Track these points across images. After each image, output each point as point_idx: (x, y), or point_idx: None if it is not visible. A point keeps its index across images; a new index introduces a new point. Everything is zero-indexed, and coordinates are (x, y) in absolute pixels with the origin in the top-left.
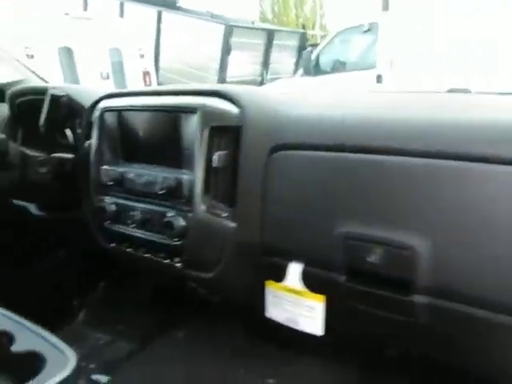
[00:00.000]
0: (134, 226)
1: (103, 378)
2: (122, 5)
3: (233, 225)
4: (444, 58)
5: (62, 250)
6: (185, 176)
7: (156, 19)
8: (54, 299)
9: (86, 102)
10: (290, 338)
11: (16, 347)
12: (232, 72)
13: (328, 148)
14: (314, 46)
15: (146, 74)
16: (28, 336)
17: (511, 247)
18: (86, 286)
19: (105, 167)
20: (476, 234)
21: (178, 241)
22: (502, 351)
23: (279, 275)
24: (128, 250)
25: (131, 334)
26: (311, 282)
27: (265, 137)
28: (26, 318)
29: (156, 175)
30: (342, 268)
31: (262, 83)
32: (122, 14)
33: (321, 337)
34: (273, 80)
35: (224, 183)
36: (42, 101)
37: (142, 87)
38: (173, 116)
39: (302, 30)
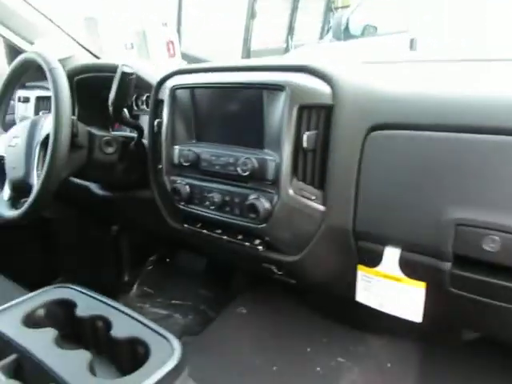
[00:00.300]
0: (212, 207)
1: None
2: None
3: (321, 208)
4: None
5: (115, 227)
6: (270, 157)
7: None
8: (107, 274)
9: (153, 80)
10: (357, 318)
11: (115, 333)
12: (256, 38)
13: (432, 127)
14: (345, 7)
15: (169, 42)
16: (125, 321)
17: None
18: (137, 261)
19: (178, 147)
20: None
21: (262, 223)
22: None
23: (372, 260)
24: (203, 230)
25: (186, 309)
26: (408, 267)
27: (361, 116)
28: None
29: (237, 156)
30: (448, 255)
31: (287, 50)
32: None
33: (389, 316)
34: (298, 46)
35: (313, 165)
36: (102, 78)
37: (214, 62)
38: (254, 93)
39: None
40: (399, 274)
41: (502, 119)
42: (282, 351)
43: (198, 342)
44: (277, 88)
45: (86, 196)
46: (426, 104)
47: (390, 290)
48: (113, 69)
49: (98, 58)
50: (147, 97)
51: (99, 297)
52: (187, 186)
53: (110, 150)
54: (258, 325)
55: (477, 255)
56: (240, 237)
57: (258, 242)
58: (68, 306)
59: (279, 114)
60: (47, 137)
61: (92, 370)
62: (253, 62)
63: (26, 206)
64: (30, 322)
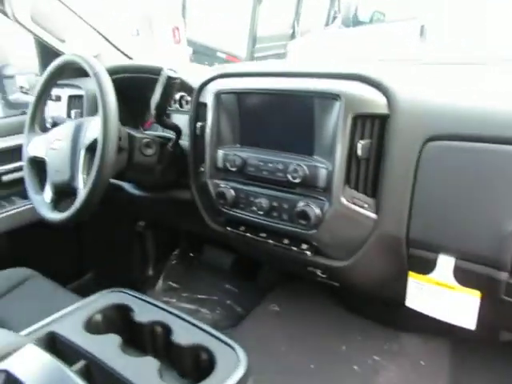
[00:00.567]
0: (260, 212)
1: None
2: None
3: (373, 216)
4: None
5: (142, 223)
6: (321, 164)
7: None
8: (132, 268)
9: (194, 83)
10: (390, 316)
11: (177, 339)
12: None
13: (491, 139)
14: None
15: (175, 29)
16: (185, 328)
17: None
18: (161, 256)
19: (222, 151)
20: None
21: (311, 229)
22: None
23: (425, 267)
24: (247, 234)
25: (213, 304)
26: (462, 276)
27: (417, 126)
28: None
29: (286, 162)
30: (506, 265)
31: (293, 36)
32: None
33: (421, 315)
34: (304, 33)
35: (366, 173)
36: (138, 79)
37: (258, 65)
38: (306, 100)
39: None
40: (453, 282)
41: None
42: (317, 349)
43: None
44: (331, 97)
45: (119, 195)
46: (485, 116)
47: (443, 297)
48: (155, 71)
49: (129, 58)
50: (181, 96)
51: (153, 301)
52: (232, 190)
53: (150, 151)
54: (291, 323)
55: None
56: (286, 241)
57: (305, 246)
58: (124, 310)
59: (332, 122)
60: (93, 141)
61: (162, 377)
62: (302, 67)
63: (73, 209)
64: (90, 327)
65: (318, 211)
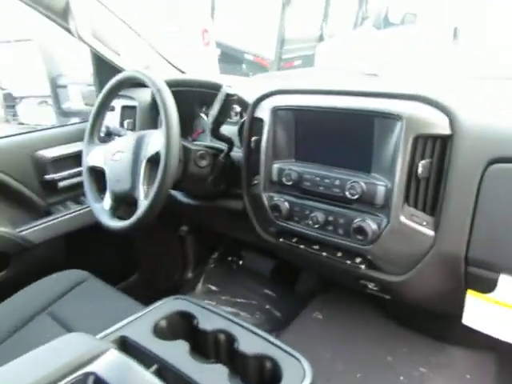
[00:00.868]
0: (315, 226)
1: None
2: None
3: (432, 233)
4: None
5: (185, 227)
6: (379, 182)
7: None
8: (174, 271)
9: (249, 98)
10: (436, 328)
11: (242, 348)
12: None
13: None
14: None
15: (204, 31)
16: (249, 337)
17: None
18: (200, 259)
19: (277, 165)
20: None
21: (368, 245)
22: None
23: (484, 286)
24: (300, 246)
25: (252, 308)
26: None
27: (480, 148)
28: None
29: (343, 179)
30: None
31: (321, 38)
32: None
33: (467, 328)
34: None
35: (425, 191)
36: (189, 92)
37: (313, 84)
38: (365, 119)
39: None
40: None
41: None
42: (363, 359)
43: None
44: (392, 117)
45: (168, 202)
46: None
47: (504, 317)
48: (213, 87)
49: (178, 69)
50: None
51: (216, 310)
52: (286, 203)
53: (204, 163)
54: (335, 331)
55: None
56: (339, 254)
57: (359, 260)
58: (188, 317)
59: (392, 141)
60: (155, 154)
61: None
62: (360, 86)
63: (134, 218)
64: (157, 332)
65: (374, 227)
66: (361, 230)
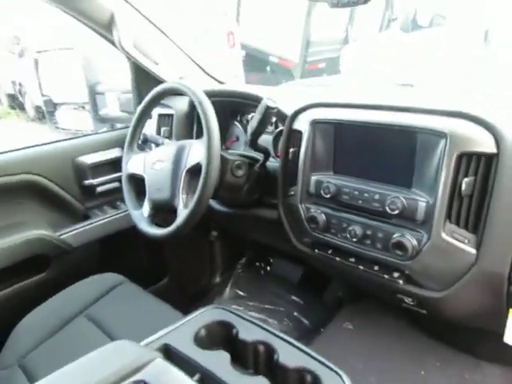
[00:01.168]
0: (354, 239)
1: None
2: None
3: (473, 251)
4: None
5: (215, 232)
6: (420, 198)
7: None
8: (202, 275)
9: (288, 110)
10: (470, 343)
11: (282, 360)
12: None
13: None
14: None
15: (229, 33)
16: (289, 349)
17: None
18: (228, 264)
19: (315, 177)
20: None
21: (407, 260)
22: None
23: None
24: (336, 258)
25: (281, 315)
26: None
27: None
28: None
29: (383, 194)
30: None
31: (346, 40)
32: None
33: (505, 345)
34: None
35: (468, 209)
36: (226, 102)
37: (353, 99)
38: (408, 135)
39: None
40: None
41: None
42: (394, 371)
43: None
44: (436, 134)
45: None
46: None
47: None
48: (254, 98)
49: (220, 82)
50: None
51: (255, 321)
52: (323, 215)
53: (240, 172)
54: (366, 342)
55: None
56: (376, 268)
57: (396, 275)
58: (227, 327)
59: (435, 158)
60: (195, 165)
61: None
62: (399, 99)
63: (174, 226)
64: (198, 341)
65: (415, 243)
66: (400, 246)
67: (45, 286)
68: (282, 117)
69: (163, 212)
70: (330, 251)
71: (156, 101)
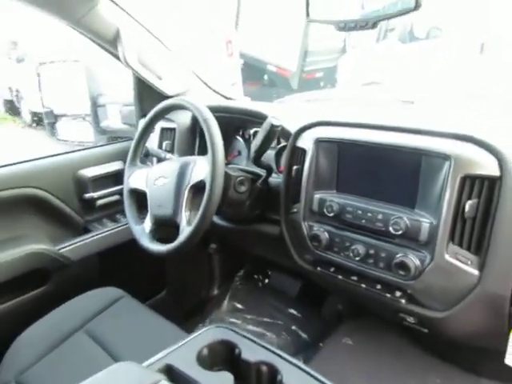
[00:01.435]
0: (356, 258)
1: None
2: None
3: (476, 272)
4: None
5: (214, 245)
6: (423, 219)
7: None
8: (200, 288)
9: (291, 127)
10: (470, 361)
11: (285, 381)
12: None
13: None
14: None
15: (228, 42)
16: (293, 371)
17: None
18: (226, 276)
19: (319, 196)
20: None
21: (410, 280)
22: None
23: None
24: (338, 276)
25: (279, 328)
26: None
27: None
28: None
29: (386, 213)
30: None
31: (344, 50)
32: None
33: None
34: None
35: (471, 231)
36: (229, 118)
37: (357, 118)
38: (412, 157)
39: None
40: None
41: None
42: None
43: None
44: (441, 157)
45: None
46: None
47: None
48: (258, 116)
49: (226, 97)
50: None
51: (257, 340)
52: (326, 233)
53: (243, 188)
54: (366, 358)
55: None
56: (379, 286)
57: (399, 294)
58: (229, 346)
59: (439, 180)
60: (199, 182)
61: None
62: (402, 119)
63: (176, 243)
64: (200, 361)
65: (417, 263)
66: (403, 266)
67: (44, 299)
68: (285, 134)
69: (165, 228)
70: (332, 269)
71: (160, 116)
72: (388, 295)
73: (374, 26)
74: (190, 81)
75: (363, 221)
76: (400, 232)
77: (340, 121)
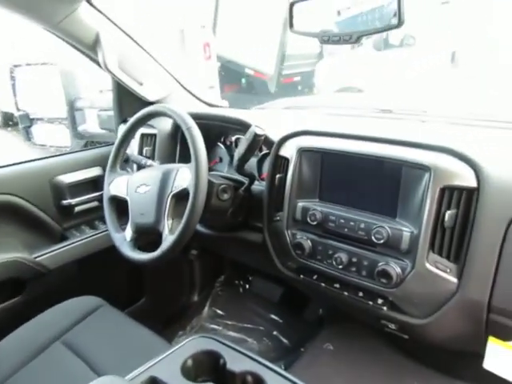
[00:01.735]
0: (339, 266)
1: None
2: None
3: (455, 280)
4: None
5: (194, 251)
6: (404, 228)
7: None
8: (181, 294)
9: (274, 136)
10: (448, 364)
11: None
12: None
13: None
14: None
15: (206, 44)
16: (277, 380)
17: None
18: (206, 282)
19: (302, 204)
20: None
21: (391, 288)
22: None
23: (505, 333)
24: (321, 284)
25: (259, 334)
26: None
27: (506, 202)
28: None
29: (368, 223)
30: None
31: (320, 55)
32: None
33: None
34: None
35: (450, 240)
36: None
37: (339, 127)
38: (393, 167)
39: None
40: None
41: None
42: None
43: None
44: (421, 168)
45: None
46: None
47: None
48: (242, 125)
49: (208, 104)
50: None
51: (243, 350)
52: (309, 241)
53: (226, 196)
54: (347, 363)
55: None
56: (361, 294)
57: (381, 301)
58: (214, 357)
59: (419, 190)
60: (182, 190)
61: None
62: (389, 134)
63: (159, 252)
64: (184, 372)
65: (399, 271)
66: (385, 274)
67: (19, 310)
68: (268, 143)
69: (146, 236)
70: (315, 277)
71: (141, 123)
72: (370, 303)
73: (358, 40)
74: (170, 86)
75: (346, 229)
76: (382, 241)
77: (323, 130)
